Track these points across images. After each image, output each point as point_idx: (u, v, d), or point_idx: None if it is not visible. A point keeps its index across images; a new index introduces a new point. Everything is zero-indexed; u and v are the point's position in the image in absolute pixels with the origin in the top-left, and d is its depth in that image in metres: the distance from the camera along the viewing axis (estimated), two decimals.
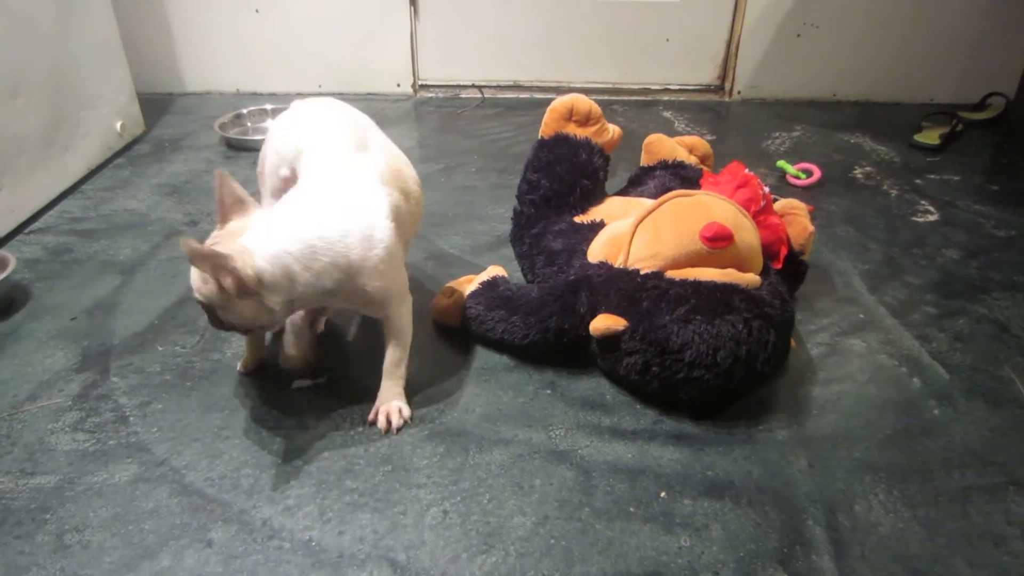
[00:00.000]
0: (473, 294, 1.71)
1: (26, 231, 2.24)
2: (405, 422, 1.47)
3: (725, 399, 1.49)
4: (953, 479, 1.36)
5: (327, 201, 1.37)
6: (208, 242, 1.30)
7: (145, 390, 1.60)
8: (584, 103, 1.94)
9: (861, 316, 1.80)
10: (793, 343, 1.66)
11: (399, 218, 1.42)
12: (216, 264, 1.22)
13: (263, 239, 1.28)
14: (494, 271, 1.77)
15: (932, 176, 2.53)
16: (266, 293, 1.27)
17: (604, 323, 1.50)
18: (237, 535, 1.25)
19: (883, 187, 2.47)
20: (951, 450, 1.42)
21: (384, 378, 1.50)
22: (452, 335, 1.74)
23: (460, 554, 1.21)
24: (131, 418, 1.52)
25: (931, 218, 2.28)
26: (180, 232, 2.24)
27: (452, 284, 1.79)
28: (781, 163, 2.51)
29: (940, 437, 1.45)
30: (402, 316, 1.48)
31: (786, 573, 1.18)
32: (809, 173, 2.46)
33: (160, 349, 1.72)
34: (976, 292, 1.90)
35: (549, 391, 1.57)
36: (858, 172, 2.57)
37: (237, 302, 1.27)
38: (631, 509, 1.29)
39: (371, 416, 1.48)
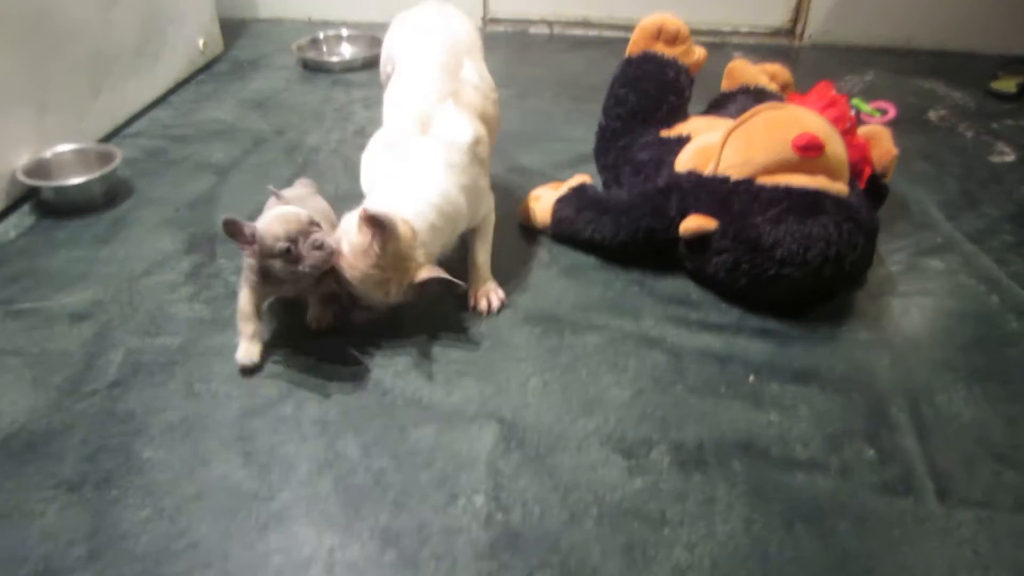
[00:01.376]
0: (562, 198, 1.77)
1: (121, 135, 2.34)
2: (502, 303, 1.55)
3: (810, 299, 1.55)
4: None
5: (426, 153, 1.48)
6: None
7: None
8: (673, 22, 1.97)
9: (939, 240, 1.84)
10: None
11: (486, 136, 1.58)
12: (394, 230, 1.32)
13: (402, 204, 1.38)
14: (581, 178, 1.83)
15: (1009, 121, 2.53)
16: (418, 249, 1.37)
17: (696, 223, 1.56)
18: (353, 391, 1.35)
19: (958, 129, 2.48)
20: None
21: (475, 269, 1.58)
22: (539, 239, 1.81)
23: (563, 416, 1.30)
24: None
25: (1008, 159, 2.29)
26: (267, 140, 2.32)
27: (539, 189, 1.85)
28: (856, 101, 2.52)
29: (1020, 347, 1.50)
30: (491, 220, 1.62)
31: (872, 448, 1.25)
32: (884, 111, 2.47)
33: None
34: None
35: (637, 287, 1.63)
36: (932, 115, 2.58)
37: (385, 273, 1.35)
38: (722, 389, 1.36)
39: (471, 302, 1.56)
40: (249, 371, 1.38)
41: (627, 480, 1.18)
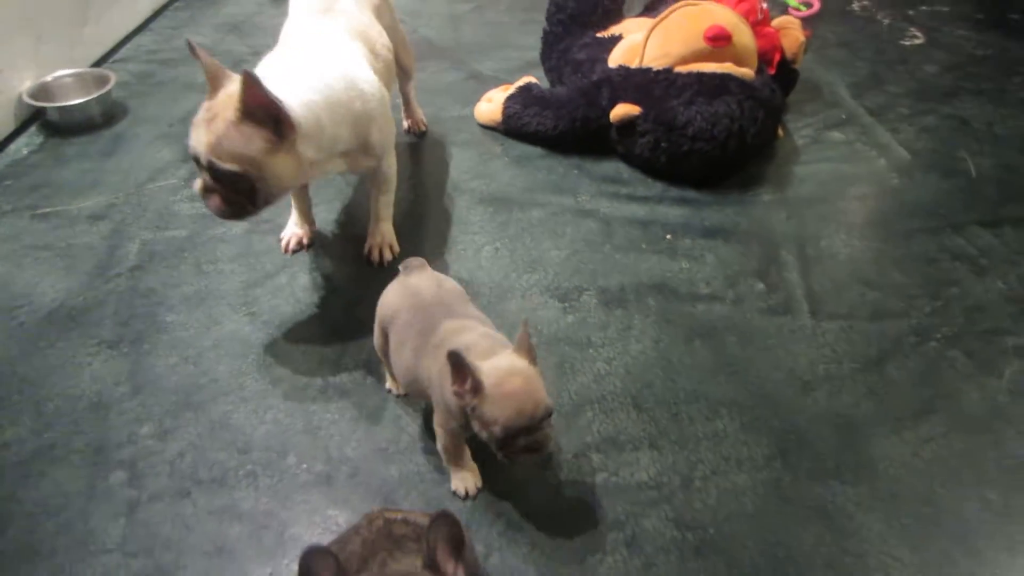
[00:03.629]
0: (511, 96, 2.01)
1: (110, 61, 2.53)
2: (394, 256, 1.62)
3: (721, 170, 1.81)
4: (902, 224, 1.69)
5: (316, 57, 1.39)
6: (203, 115, 1.26)
7: None
8: None
9: (843, 116, 2.09)
10: (781, 132, 1.97)
11: (376, 71, 1.48)
12: (272, 114, 1.20)
13: (287, 89, 1.25)
14: (527, 79, 2.06)
15: (924, 7, 2.75)
16: (302, 141, 1.27)
17: (623, 110, 1.80)
18: (334, 262, 1.61)
19: (877, 17, 2.70)
20: (904, 206, 1.74)
21: (375, 220, 1.61)
22: (493, 135, 2.05)
23: (510, 274, 1.57)
24: None
25: (917, 41, 2.52)
26: (247, 62, 2.51)
27: (491, 92, 2.08)
28: None
29: (897, 199, 1.77)
30: (392, 164, 1.56)
31: (762, 283, 1.53)
32: (809, 5, 2.68)
33: None
34: (946, 97, 2.18)
35: (576, 170, 1.89)
36: (856, 5, 2.79)
37: (276, 161, 1.24)
38: (643, 246, 1.64)
39: (366, 250, 1.62)
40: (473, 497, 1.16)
41: (561, 317, 1.46)
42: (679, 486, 1.16)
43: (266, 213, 1.74)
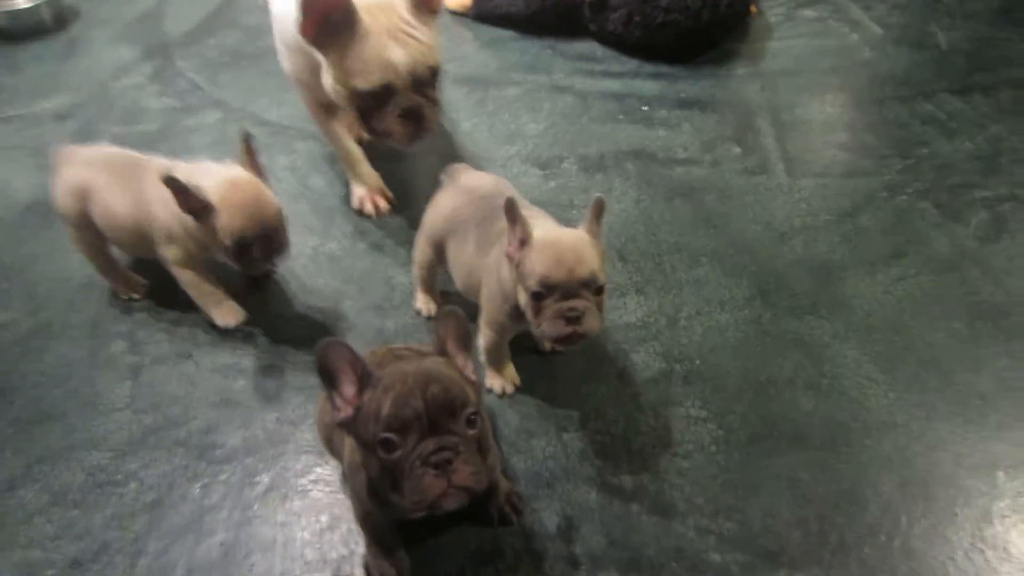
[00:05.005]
0: None
1: None
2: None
3: (695, 43, 1.81)
4: (874, 93, 1.71)
5: None
6: (380, 39, 1.11)
7: (209, 68, 1.89)
8: None
9: None
10: (755, 10, 1.97)
11: None
12: None
13: None
14: None
15: None
16: None
17: None
18: (318, 147, 1.61)
19: None
20: (876, 77, 1.77)
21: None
22: (463, 21, 2.02)
23: (490, 147, 1.58)
24: (203, 86, 1.82)
25: None
26: None
27: None
28: None
29: (869, 70, 1.79)
30: None
31: (739, 146, 1.56)
32: None
33: (212, 41, 2.00)
34: None
35: (550, 51, 1.88)
36: None
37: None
38: (620, 117, 1.65)
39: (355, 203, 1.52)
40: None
41: (543, 183, 1.48)
42: (665, 325, 1.20)
43: (238, 102, 1.75)
